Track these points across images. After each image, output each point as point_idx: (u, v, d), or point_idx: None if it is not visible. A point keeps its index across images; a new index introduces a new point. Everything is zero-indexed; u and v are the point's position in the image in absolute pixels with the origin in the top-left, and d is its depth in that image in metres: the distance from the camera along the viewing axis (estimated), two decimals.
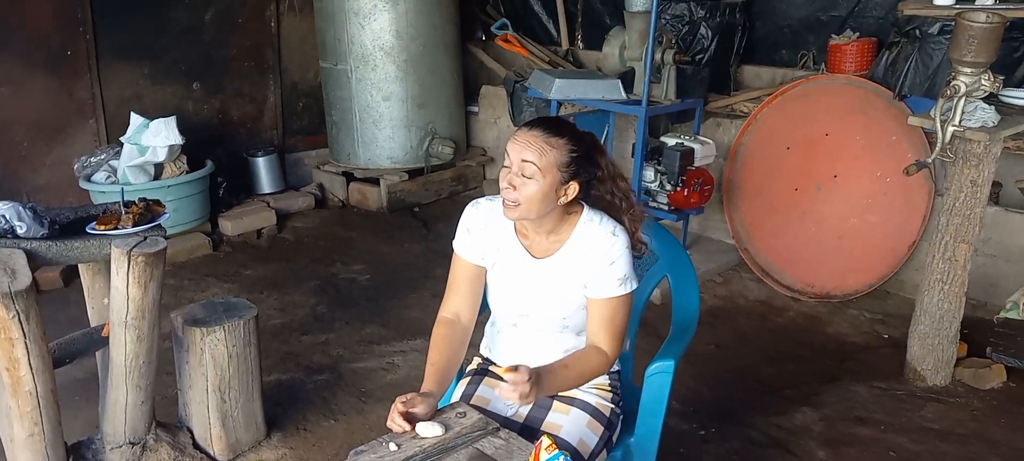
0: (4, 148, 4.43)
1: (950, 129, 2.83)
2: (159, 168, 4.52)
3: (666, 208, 4.14)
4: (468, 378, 2.06)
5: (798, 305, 4.03)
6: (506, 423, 1.80)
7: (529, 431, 1.83)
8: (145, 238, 2.29)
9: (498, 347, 2.06)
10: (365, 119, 5.28)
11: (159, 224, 2.40)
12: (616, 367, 2.07)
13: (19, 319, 2.07)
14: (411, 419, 1.66)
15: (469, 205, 1.97)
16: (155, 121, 4.47)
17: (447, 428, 1.67)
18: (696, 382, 3.23)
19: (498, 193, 1.84)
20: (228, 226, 4.85)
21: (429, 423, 1.66)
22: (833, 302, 3.99)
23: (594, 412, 1.93)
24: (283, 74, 5.56)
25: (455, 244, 1.96)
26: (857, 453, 2.81)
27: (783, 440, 2.88)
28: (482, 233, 1.93)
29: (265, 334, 3.33)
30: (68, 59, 4.55)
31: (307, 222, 5.21)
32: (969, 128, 2.83)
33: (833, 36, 4.45)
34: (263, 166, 5.34)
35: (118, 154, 4.50)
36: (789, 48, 4.88)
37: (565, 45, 5.89)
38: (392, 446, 1.61)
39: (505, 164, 1.79)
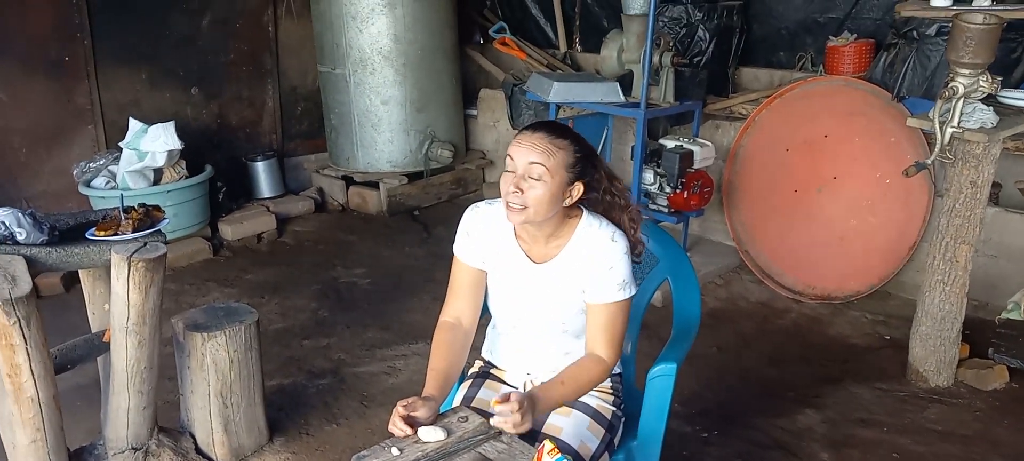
0: (3, 154, 4.43)
1: (949, 130, 2.84)
2: (158, 173, 4.53)
3: (666, 210, 4.14)
4: (470, 381, 2.06)
5: (799, 307, 4.03)
6: None
7: (530, 434, 1.83)
8: (145, 243, 2.29)
9: (499, 350, 2.06)
10: (364, 123, 5.28)
11: (159, 229, 2.40)
12: (618, 369, 2.07)
13: (20, 325, 2.07)
14: (413, 423, 1.66)
15: (469, 209, 1.97)
16: (154, 126, 4.48)
17: (449, 432, 1.67)
18: (698, 384, 3.23)
19: (497, 196, 1.84)
20: (228, 231, 4.85)
21: (431, 427, 1.66)
22: (834, 303, 3.99)
23: (595, 414, 1.93)
24: (281, 79, 5.57)
25: (455, 248, 1.96)
26: (860, 454, 2.81)
27: (786, 442, 2.88)
28: (482, 237, 1.93)
29: (266, 339, 3.33)
30: (67, 65, 4.56)
31: (307, 226, 5.21)
32: (968, 129, 2.83)
33: (831, 38, 4.46)
34: (262, 170, 5.34)
35: (117, 159, 4.50)
36: (787, 50, 4.89)
37: (563, 48, 5.90)
38: (394, 450, 1.61)
39: (508, 168, 1.78)
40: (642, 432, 2.04)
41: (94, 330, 2.58)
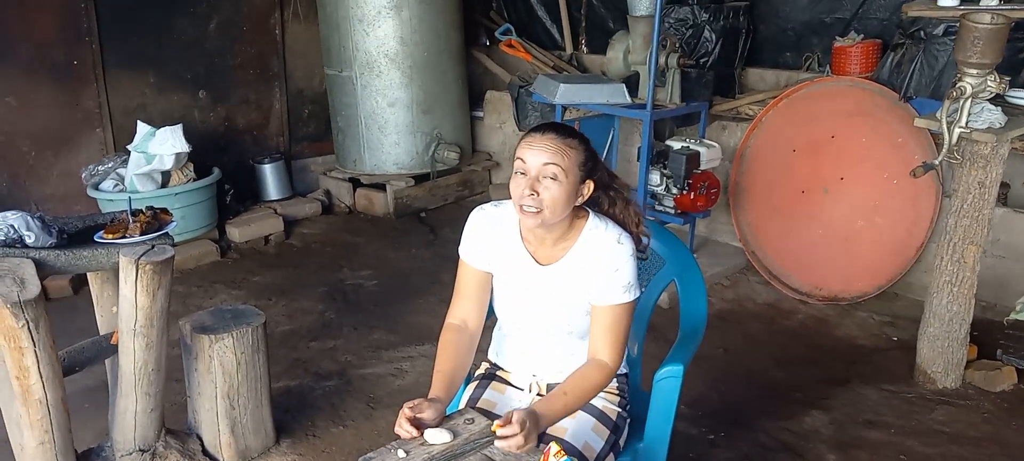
0: (12, 158, 4.46)
1: (957, 131, 2.83)
2: (166, 176, 4.54)
3: (672, 212, 4.14)
4: (476, 383, 2.06)
5: (806, 308, 4.01)
6: None
7: None
8: (153, 246, 2.30)
9: (504, 352, 2.06)
10: (371, 125, 5.29)
11: (167, 232, 2.41)
12: (624, 370, 2.07)
13: (29, 328, 2.08)
14: (419, 425, 1.66)
15: (474, 211, 1.97)
16: (162, 129, 4.49)
17: (455, 434, 1.67)
18: (705, 386, 3.22)
19: (503, 198, 1.84)
20: (235, 233, 4.87)
21: (437, 429, 1.66)
22: (841, 305, 3.98)
23: (600, 415, 1.93)
24: (288, 81, 5.58)
25: (461, 250, 1.96)
26: (867, 456, 2.80)
27: (793, 444, 2.87)
28: (488, 239, 1.93)
29: (273, 341, 3.33)
30: (74, 69, 4.58)
31: (314, 228, 5.23)
32: (976, 129, 2.82)
33: (837, 38, 4.44)
34: (270, 173, 5.36)
35: (125, 162, 4.52)
36: (793, 51, 4.88)
37: (569, 50, 5.90)
38: (400, 452, 1.61)
39: (519, 171, 1.78)
40: (648, 434, 2.04)
41: (102, 332, 2.59)
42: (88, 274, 2.53)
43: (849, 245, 4.03)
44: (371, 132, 5.31)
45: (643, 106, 4.08)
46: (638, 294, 1.86)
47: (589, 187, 1.83)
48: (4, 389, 2.20)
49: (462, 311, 1.96)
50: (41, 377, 2.16)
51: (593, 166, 1.83)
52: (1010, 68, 3.49)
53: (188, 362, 2.62)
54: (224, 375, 2.56)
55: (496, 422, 1.62)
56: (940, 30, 3.79)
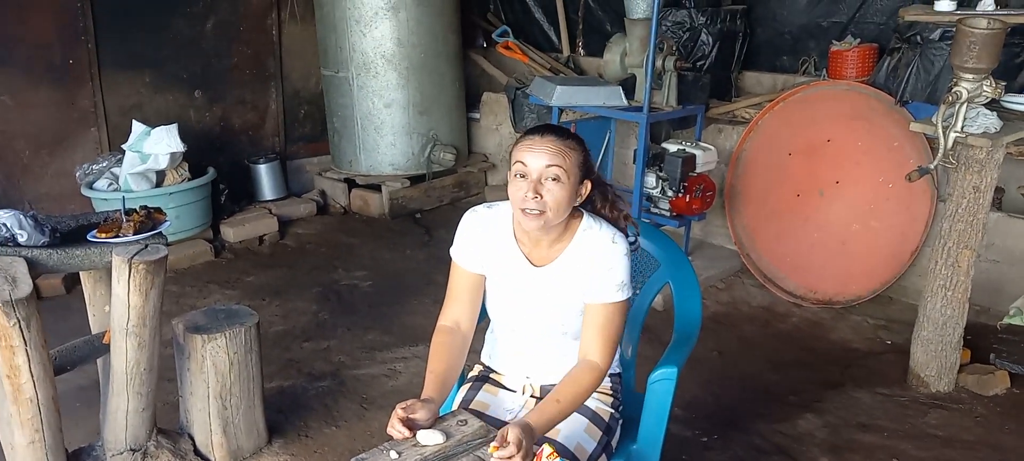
0: (7, 157, 4.45)
1: (952, 135, 2.83)
2: (161, 175, 4.53)
3: (668, 214, 4.14)
4: (469, 384, 2.06)
5: (801, 311, 4.02)
6: None
7: None
8: (146, 246, 2.29)
9: (497, 355, 2.06)
10: (367, 126, 5.28)
11: (160, 232, 2.40)
12: (618, 370, 2.07)
13: (20, 327, 2.07)
14: (412, 425, 1.65)
15: (467, 213, 1.96)
16: (157, 129, 4.48)
17: (448, 436, 1.66)
18: (699, 389, 3.22)
19: (498, 199, 1.83)
20: (230, 233, 4.86)
21: (430, 431, 1.66)
22: (836, 308, 3.98)
23: (593, 416, 1.92)
24: (284, 82, 5.58)
25: (453, 253, 1.96)
26: (861, 459, 2.80)
27: (786, 447, 2.87)
28: (481, 241, 1.92)
29: (267, 341, 3.33)
30: (70, 69, 4.57)
31: (309, 229, 5.22)
32: (971, 134, 2.83)
33: (834, 42, 4.45)
34: (265, 173, 5.35)
35: (120, 161, 4.51)
36: (790, 54, 4.88)
37: (566, 52, 5.90)
38: (393, 453, 1.60)
39: (520, 174, 1.77)
40: (642, 436, 2.03)
41: (94, 331, 2.58)
42: (81, 273, 2.53)
43: (844, 248, 4.03)
44: (367, 133, 5.30)
45: (639, 109, 4.08)
46: (631, 294, 1.86)
47: (587, 187, 1.83)
48: None
49: (454, 313, 1.95)
50: (32, 376, 2.15)
51: (590, 166, 1.84)
52: (1006, 73, 3.49)
53: (181, 362, 2.61)
54: (217, 375, 2.56)
55: (492, 445, 1.60)
56: (936, 35, 3.80)
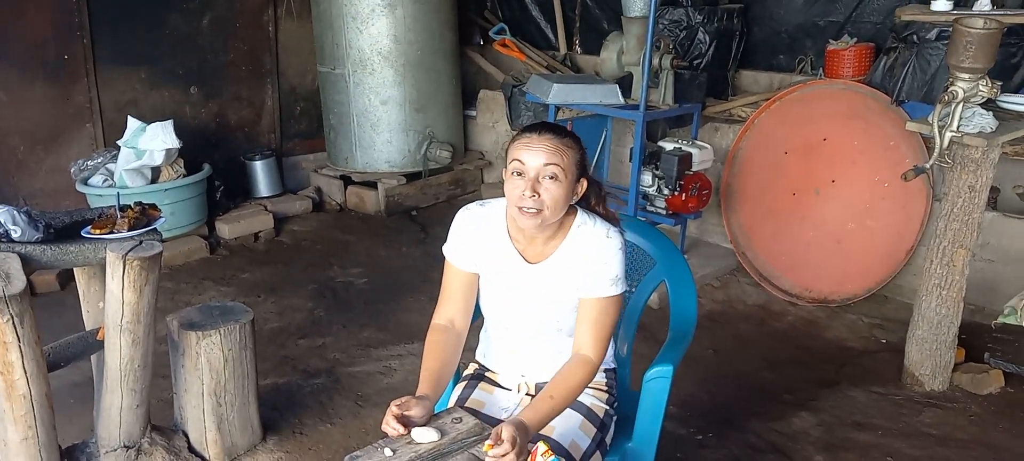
0: (1, 153, 4.44)
1: (948, 135, 2.83)
2: (156, 171, 4.52)
3: (664, 212, 4.14)
4: (464, 382, 2.06)
5: (796, 310, 4.02)
6: None
7: None
8: (141, 242, 2.28)
9: (492, 353, 2.06)
10: (363, 123, 5.27)
11: (155, 228, 2.39)
12: (613, 365, 2.07)
13: (13, 323, 2.07)
14: (406, 423, 1.65)
15: (460, 211, 1.96)
16: (152, 125, 4.47)
17: (443, 433, 1.66)
18: (694, 387, 3.22)
19: (494, 197, 1.83)
20: (225, 229, 4.85)
21: (425, 428, 1.66)
22: (831, 307, 3.99)
23: (588, 413, 1.92)
24: (281, 78, 5.56)
25: (446, 252, 1.95)
26: (855, 458, 2.80)
27: (781, 445, 2.87)
28: (474, 239, 1.92)
29: (262, 338, 3.32)
30: (66, 64, 4.55)
31: (304, 226, 5.21)
32: (967, 133, 2.83)
33: (831, 41, 4.45)
34: (260, 169, 5.34)
35: (115, 157, 4.50)
36: (787, 53, 4.89)
37: (563, 50, 5.90)
38: (387, 451, 1.60)
39: (516, 172, 1.76)
40: (637, 434, 2.04)
41: (89, 328, 2.57)
42: (75, 269, 2.52)
43: (840, 247, 4.03)
44: (363, 130, 5.29)
45: (636, 107, 4.08)
46: (625, 289, 1.86)
47: (583, 185, 1.84)
48: None
49: (448, 312, 1.95)
50: (25, 372, 2.14)
51: (586, 164, 1.84)
52: (1002, 73, 3.49)
53: (175, 358, 2.61)
54: (211, 372, 2.55)
55: (486, 442, 1.59)
56: (933, 34, 3.80)
